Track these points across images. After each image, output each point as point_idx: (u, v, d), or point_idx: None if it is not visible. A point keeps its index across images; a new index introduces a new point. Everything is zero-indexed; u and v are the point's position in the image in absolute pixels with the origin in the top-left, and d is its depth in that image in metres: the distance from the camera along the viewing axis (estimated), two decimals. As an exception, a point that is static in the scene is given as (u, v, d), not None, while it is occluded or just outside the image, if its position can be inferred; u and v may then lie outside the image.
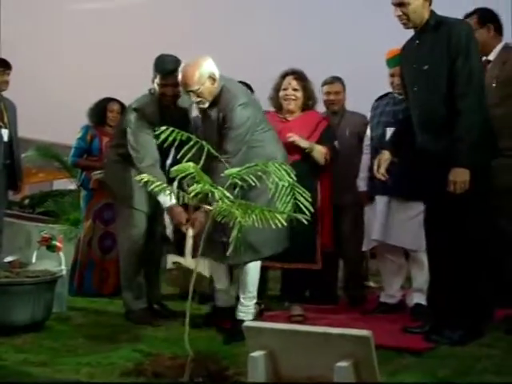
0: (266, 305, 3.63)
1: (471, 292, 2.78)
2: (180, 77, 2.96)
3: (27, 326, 2.94)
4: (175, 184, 2.30)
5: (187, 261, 2.88)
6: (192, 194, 2.20)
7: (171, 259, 2.89)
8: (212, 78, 2.94)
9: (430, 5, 2.85)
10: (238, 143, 2.89)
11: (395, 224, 3.45)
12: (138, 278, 3.37)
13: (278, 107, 3.58)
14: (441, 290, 2.89)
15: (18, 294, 2.92)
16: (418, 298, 3.47)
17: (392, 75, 3.58)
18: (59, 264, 3.58)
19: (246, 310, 3.05)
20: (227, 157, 2.72)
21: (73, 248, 4.48)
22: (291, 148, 3.35)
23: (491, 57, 3.28)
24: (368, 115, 3.82)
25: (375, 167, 3.04)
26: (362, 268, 4.19)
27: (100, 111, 4.39)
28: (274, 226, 2.05)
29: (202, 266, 2.83)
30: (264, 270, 3.44)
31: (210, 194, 2.19)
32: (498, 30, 3.33)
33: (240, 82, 4.62)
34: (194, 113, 3.42)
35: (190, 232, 2.94)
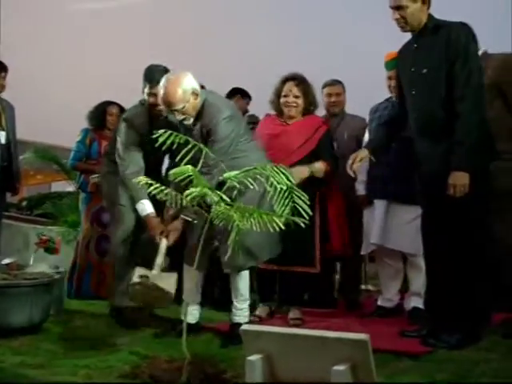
0: (276, 307, 3.66)
1: (469, 296, 2.78)
2: (162, 96, 2.88)
3: (24, 329, 2.94)
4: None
5: (154, 275, 2.74)
6: (189, 198, 2.21)
7: (138, 272, 2.76)
8: (195, 94, 2.89)
9: (428, 8, 2.85)
10: (221, 155, 2.83)
11: (394, 228, 3.45)
12: (128, 275, 3.28)
13: (279, 112, 3.58)
14: (438, 293, 2.89)
15: (15, 296, 2.92)
16: (416, 302, 3.47)
17: (389, 78, 3.58)
18: (57, 266, 3.58)
19: (241, 313, 3.06)
20: (208, 169, 2.70)
21: (71, 250, 4.48)
22: (289, 152, 3.36)
23: None
24: (367, 119, 3.83)
25: (349, 161, 3.02)
26: (359, 272, 4.19)
27: (99, 115, 4.39)
28: (272, 230, 2.05)
29: (168, 282, 2.71)
30: (272, 273, 3.45)
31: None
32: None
33: (236, 88, 4.68)
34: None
35: (164, 243, 2.89)
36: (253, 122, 4.45)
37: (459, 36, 2.75)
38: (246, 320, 3.06)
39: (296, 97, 3.50)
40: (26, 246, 5.48)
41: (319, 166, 3.44)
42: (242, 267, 2.99)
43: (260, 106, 3.76)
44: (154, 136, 2.31)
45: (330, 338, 1.81)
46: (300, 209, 2.08)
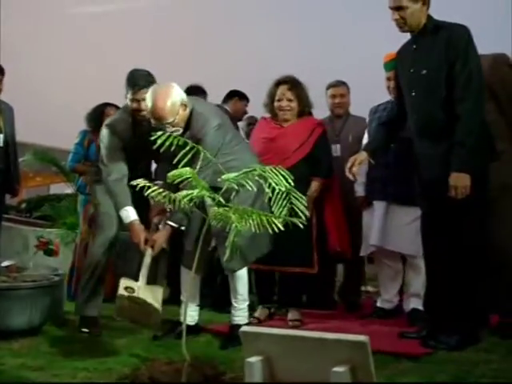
0: (275, 309, 3.67)
1: (468, 297, 2.78)
2: (151, 111, 2.81)
3: (24, 331, 2.94)
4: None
5: (140, 288, 2.64)
6: (186, 199, 2.21)
7: (124, 284, 2.65)
8: (184, 105, 2.85)
9: (427, 9, 2.85)
10: (209, 163, 2.75)
11: (393, 229, 3.45)
12: (94, 283, 3.26)
13: (274, 114, 3.59)
14: (438, 295, 2.89)
15: (15, 299, 2.91)
16: (415, 303, 3.47)
17: (388, 79, 3.59)
18: (56, 269, 3.58)
19: (240, 313, 3.06)
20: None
21: (70, 252, 4.47)
22: (285, 155, 3.36)
23: None
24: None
25: (348, 164, 3.02)
26: (361, 273, 4.19)
27: (97, 116, 4.38)
28: (264, 231, 2.06)
29: (156, 297, 2.61)
30: (271, 274, 3.45)
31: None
32: None
33: (234, 90, 4.68)
34: None
35: (149, 253, 2.83)
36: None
37: (459, 37, 2.75)
38: (246, 321, 3.06)
39: (290, 100, 3.50)
40: (26, 249, 5.48)
41: (314, 188, 3.47)
42: (235, 268, 2.99)
43: (261, 108, 3.75)
44: (153, 138, 2.31)
45: (330, 340, 1.80)
46: (297, 210, 2.07)
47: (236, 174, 2.16)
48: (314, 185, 3.47)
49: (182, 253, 3.13)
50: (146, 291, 2.60)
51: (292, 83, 3.53)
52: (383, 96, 3.80)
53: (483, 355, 2.62)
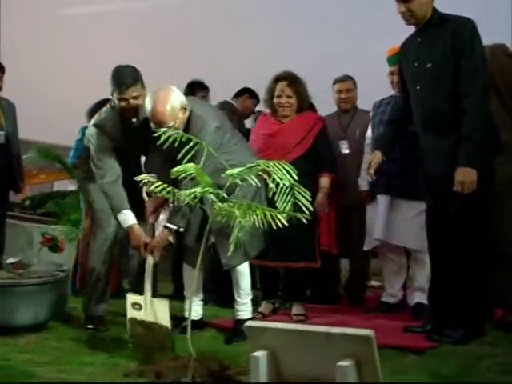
0: (280, 304, 3.68)
1: (473, 291, 2.78)
2: (151, 115, 2.81)
3: (30, 327, 2.96)
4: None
5: (147, 305, 2.60)
6: (191, 196, 2.22)
7: (130, 300, 2.62)
8: (183, 108, 2.84)
9: (433, 1, 2.83)
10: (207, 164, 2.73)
11: (397, 223, 3.45)
12: (99, 283, 3.26)
13: (273, 110, 3.59)
14: (442, 289, 2.89)
15: (21, 295, 2.93)
16: (419, 298, 3.47)
17: (392, 73, 3.57)
18: (61, 265, 3.59)
19: (244, 308, 3.07)
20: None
21: (74, 248, 4.48)
22: (285, 151, 3.36)
23: None
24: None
25: (364, 165, 3.03)
26: (367, 268, 4.18)
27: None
28: (274, 226, 2.06)
29: (163, 314, 2.56)
30: (275, 270, 3.46)
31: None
32: None
33: (245, 88, 4.67)
34: None
35: (150, 261, 2.78)
36: (230, 108, 4.41)
37: (465, 30, 2.73)
38: (250, 315, 3.07)
39: (289, 97, 3.50)
40: (30, 245, 5.48)
41: (326, 183, 3.47)
42: (236, 264, 3.00)
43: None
44: (156, 134, 2.31)
45: (335, 334, 1.81)
46: (301, 205, 2.08)
47: (239, 169, 2.17)
48: (325, 180, 3.47)
49: (184, 249, 3.14)
50: (153, 307, 2.56)
51: (291, 79, 3.52)
52: (387, 91, 3.80)
53: (488, 349, 2.63)
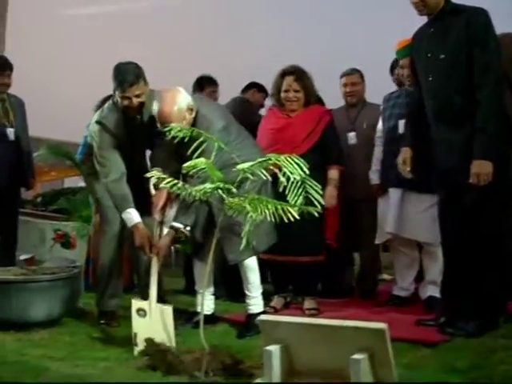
0: (291, 298, 3.68)
1: (486, 284, 2.77)
2: (158, 116, 2.80)
3: (44, 322, 2.98)
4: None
5: (151, 312, 2.56)
6: (202, 192, 2.22)
7: (135, 305, 2.58)
8: (190, 109, 2.84)
9: None
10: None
11: (409, 217, 3.44)
12: (111, 279, 3.27)
13: (281, 105, 3.58)
14: (455, 282, 2.88)
15: (34, 291, 2.95)
16: (432, 291, 3.46)
17: (402, 67, 3.55)
18: (74, 261, 3.61)
19: (255, 301, 3.07)
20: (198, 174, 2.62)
21: (85, 244, 4.51)
22: (294, 145, 3.36)
23: None
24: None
25: (400, 165, 3.03)
26: (378, 262, 4.17)
27: None
28: (286, 220, 2.06)
29: (164, 321, 2.51)
30: (286, 264, 3.45)
31: None
32: None
33: (254, 82, 4.66)
34: None
35: (155, 263, 2.74)
36: (245, 102, 4.39)
37: (478, 20, 2.70)
38: (261, 309, 3.08)
39: (296, 91, 3.49)
40: (43, 242, 5.52)
41: (336, 176, 3.46)
42: (243, 259, 3.00)
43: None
44: (165, 130, 2.32)
45: (348, 328, 1.81)
46: (313, 198, 2.08)
47: (250, 163, 2.17)
48: (334, 173, 3.46)
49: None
50: (157, 314, 2.53)
51: (298, 74, 3.51)
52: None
53: (501, 342, 2.61)
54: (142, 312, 2.51)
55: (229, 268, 4.00)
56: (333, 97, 4.11)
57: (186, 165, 2.22)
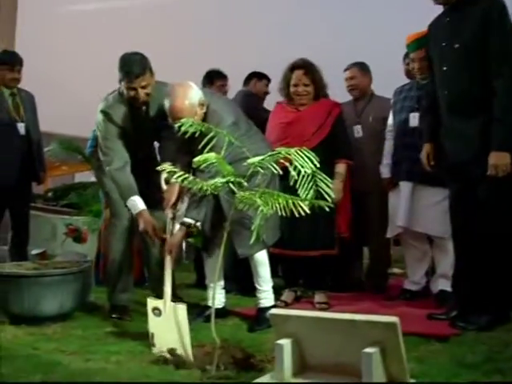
0: (302, 292, 3.69)
1: (497, 277, 2.75)
2: (169, 110, 2.79)
3: (56, 317, 3.00)
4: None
5: (166, 309, 2.51)
6: (213, 186, 2.22)
7: (150, 305, 2.55)
8: (201, 105, 2.84)
9: None
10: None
11: (420, 210, 3.42)
12: (122, 273, 3.28)
13: (290, 99, 3.57)
14: (466, 275, 2.86)
15: (46, 285, 2.97)
16: (443, 285, 3.44)
17: (413, 60, 3.53)
18: (85, 255, 3.63)
19: (265, 295, 3.07)
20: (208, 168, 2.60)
21: (96, 239, 4.54)
22: (304, 139, 3.35)
23: None
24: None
25: (424, 161, 3.01)
26: (388, 255, 4.16)
27: None
28: (296, 214, 2.05)
29: (178, 320, 2.46)
30: (296, 258, 3.45)
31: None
32: None
33: (251, 72, 4.62)
34: None
35: (169, 260, 2.70)
36: (249, 95, 4.38)
37: (495, 10, 2.67)
38: (272, 302, 3.08)
39: (306, 85, 3.48)
40: (54, 236, 5.57)
41: (343, 170, 3.45)
42: (253, 253, 2.99)
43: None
44: (177, 125, 2.32)
45: (360, 321, 1.80)
46: (323, 192, 2.07)
47: (261, 157, 2.17)
48: (341, 167, 3.46)
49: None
50: (172, 314, 2.51)
51: (307, 68, 3.50)
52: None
53: (514, 335, 2.60)
54: (157, 311, 2.52)
55: (239, 262, 4.03)
56: (343, 90, 4.09)
57: (196, 159, 2.22)
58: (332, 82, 3.70)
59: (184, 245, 5.09)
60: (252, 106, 4.11)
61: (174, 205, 2.93)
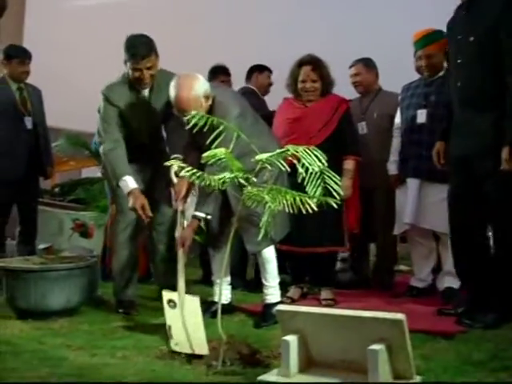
0: (308, 288, 3.69)
1: (504, 275, 2.74)
2: (174, 101, 2.79)
3: (63, 311, 3.02)
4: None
5: (181, 303, 2.51)
6: (220, 181, 2.22)
7: (166, 297, 2.55)
8: (206, 97, 2.83)
9: None
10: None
11: (427, 207, 3.41)
12: (127, 269, 3.28)
13: (297, 95, 3.56)
14: (471, 274, 2.86)
15: (53, 280, 2.98)
16: (449, 282, 3.44)
17: (420, 58, 3.52)
18: (91, 250, 3.64)
19: (272, 291, 3.07)
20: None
21: (102, 234, 4.56)
22: (311, 135, 3.34)
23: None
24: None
25: (435, 158, 3.01)
26: (395, 252, 4.15)
27: None
28: (304, 211, 2.05)
29: (195, 309, 2.47)
30: (303, 255, 3.45)
31: None
32: None
33: (252, 66, 4.59)
34: None
35: (181, 253, 2.71)
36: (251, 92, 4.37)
37: (508, 5, 2.63)
38: (278, 299, 3.08)
39: (314, 81, 3.47)
40: (61, 231, 5.59)
41: (352, 166, 3.44)
42: (261, 249, 3.00)
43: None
44: (186, 118, 2.32)
45: (366, 318, 1.81)
46: (331, 189, 2.07)
47: (268, 154, 2.16)
48: (350, 163, 3.45)
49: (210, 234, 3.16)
50: (186, 305, 2.51)
51: (315, 64, 3.49)
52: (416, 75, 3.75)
53: (520, 333, 2.60)
54: (172, 303, 2.53)
55: (245, 259, 4.04)
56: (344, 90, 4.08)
57: (205, 154, 2.22)
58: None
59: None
60: (252, 103, 4.11)
61: (185, 198, 2.93)
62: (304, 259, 3.49)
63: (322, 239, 3.39)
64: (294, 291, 3.57)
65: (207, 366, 2.19)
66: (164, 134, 3.36)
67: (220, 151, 2.12)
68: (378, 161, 3.73)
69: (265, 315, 2.96)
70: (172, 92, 2.80)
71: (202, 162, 2.24)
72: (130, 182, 2.97)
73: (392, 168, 3.68)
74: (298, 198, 2.05)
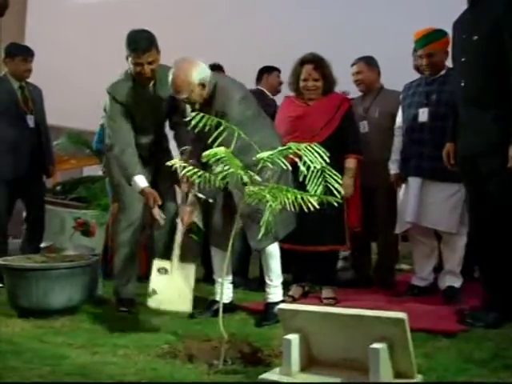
0: (309, 287, 3.69)
1: (504, 274, 2.74)
2: (170, 83, 2.84)
3: (64, 310, 3.02)
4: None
5: (173, 267, 2.60)
6: (219, 177, 2.22)
7: (157, 265, 2.62)
8: (201, 84, 2.85)
9: None
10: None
11: (429, 206, 3.40)
12: (127, 267, 3.28)
13: (299, 93, 3.55)
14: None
15: (54, 279, 2.99)
16: (451, 281, 3.44)
17: (420, 57, 3.51)
18: (93, 249, 3.64)
19: (275, 290, 3.07)
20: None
21: (103, 232, 4.56)
22: (313, 133, 3.34)
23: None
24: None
25: (445, 159, 3.01)
26: (395, 251, 4.15)
27: None
28: (305, 209, 2.05)
29: (186, 275, 2.56)
30: (304, 253, 3.44)
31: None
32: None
33: (261, 68, 4.60)
34: None
35: (180, 228, 2.81)
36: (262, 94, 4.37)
37: (510, 4, 2.62)
38: (280, 298, 3.08)
39: (316, 80, 3.47)
40: (63, 230, 5.58)
41: (353, 165, 3.44)
42: (265, 246, 3.00)
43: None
44: (187, 119, 2.32)
45: (368, 317, 1.80)
46: (332, 188, 2.07)
47: (270, 152, 2.16)
48: (351, 162, 3.44)
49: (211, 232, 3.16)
50: (179, 271, 2.58)
51: (317, 62, 3.48)
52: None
53: (522, 332, 2.60)
54: (163, 270, 2.55)
55: (247, 257, 4.04)
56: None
57: (205, 153, 2.22)
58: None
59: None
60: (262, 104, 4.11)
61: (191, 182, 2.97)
62: (305, 258, 3.49)
63: (324, 238, 3.38)
64: (295, 290, 3.57)
65: (208, 365, 2.19)
66: (168, 130, 3.39)
67: (220, 150, 2.12)
68: (379, 160, 3.72)
69: (266, 314, 2.96)
70: (170, 74, 2.86)
71: (203, 160, 2.23)
72: (140, 182, 3.00)
73: (393, 167, 3.67)
74: (299, 197, 2.05)
